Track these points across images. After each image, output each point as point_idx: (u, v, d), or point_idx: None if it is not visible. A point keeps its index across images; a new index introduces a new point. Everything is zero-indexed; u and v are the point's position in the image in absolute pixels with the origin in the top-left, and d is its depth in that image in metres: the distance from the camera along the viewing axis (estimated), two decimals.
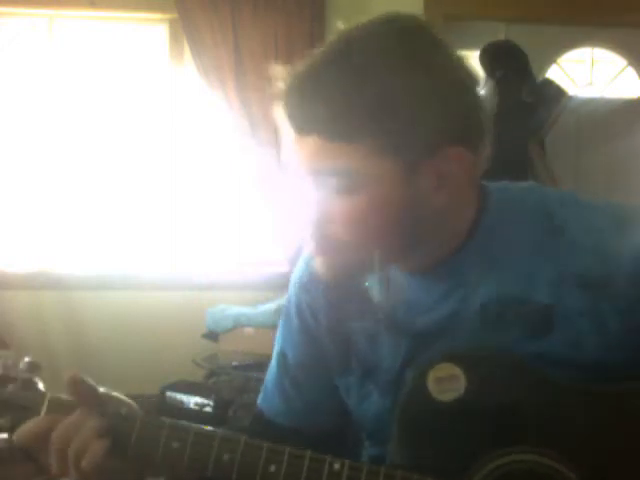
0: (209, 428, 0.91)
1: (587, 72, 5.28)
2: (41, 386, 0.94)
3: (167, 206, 3.79)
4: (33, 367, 0.94)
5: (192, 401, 3.15)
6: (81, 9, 3.70)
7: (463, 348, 0.91)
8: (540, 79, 4.34)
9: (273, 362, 1.12)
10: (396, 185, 0.83)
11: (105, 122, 3.79)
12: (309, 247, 0.91)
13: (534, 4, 3.83)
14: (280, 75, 0.86)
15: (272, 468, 0.87)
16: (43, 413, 0.92)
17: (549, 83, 4.15)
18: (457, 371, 0.87)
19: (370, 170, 0.83)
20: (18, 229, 3.78)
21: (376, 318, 0.99)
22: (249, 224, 3.75)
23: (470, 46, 4.59)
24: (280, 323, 1.11)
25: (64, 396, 0.93)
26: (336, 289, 1.00)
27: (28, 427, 0.90)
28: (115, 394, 0.95)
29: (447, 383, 0.87)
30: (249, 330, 3.28)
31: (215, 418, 3.08)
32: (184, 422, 0.92)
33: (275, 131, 2.93)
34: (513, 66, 3.80)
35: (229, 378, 3.31)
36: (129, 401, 0.96)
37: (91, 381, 0.93)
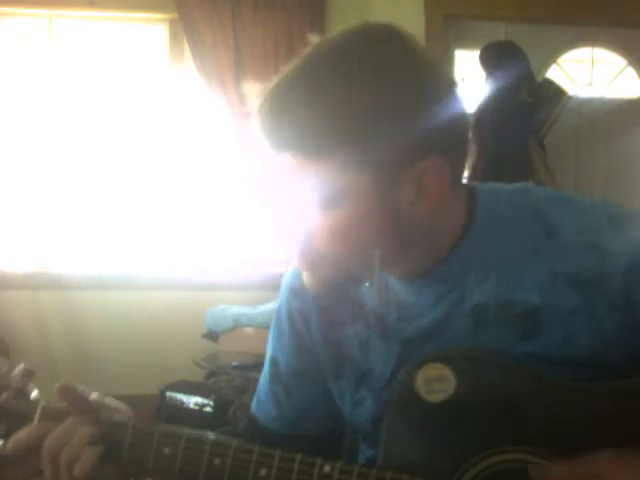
0: (200, 432, 0.92)
1: (587, 72, 5.28)
2: (35, 393, 0.94)
3: (167, 206, 3.79)
4: (27, 374, 0.94)
5: (192, 401, 3.15)
6: (81, 9, 3.70)
7: (452, 349, 0.91)
8: (540, 79, 4.34)
9: (265, 369, 1.11)
10: (375, 199, 0.83)
11: (105, 122, 3.80)
12: (294, 261, 0.91)
13: (534, 4, 3.83)
14: (253, 92, 0.85)
15: (263, 472, 0.88)
16: (36, 421, 0.92)
17: (549, 83, 4.15)
18: (446, 371, 0.87)
19: (347, 185, 0.82)
20: (18, 229, 3.78)
21: (368, 325, 0.98)
22: (249, 224, 3.75)
23: (470, 46, 4.59)
24: (271, 329, 1.10)
25: (58, 403, 0.93)
26: (326, 296, 1.00)
27: (21, 435, 0.91)
28: (107, 401, 0.96)
29: (436, 384, 0.87)
30: (249, 330, 3.28)
31: (215, 418, 3.08)
32: (176, 427, 0.92)
33: None
34: (513, 66, 3.80)
35: (229, 378, 3.31)
36: (122, 407, 0.96)
37: (82, 389, 0.93)
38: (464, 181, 0.93)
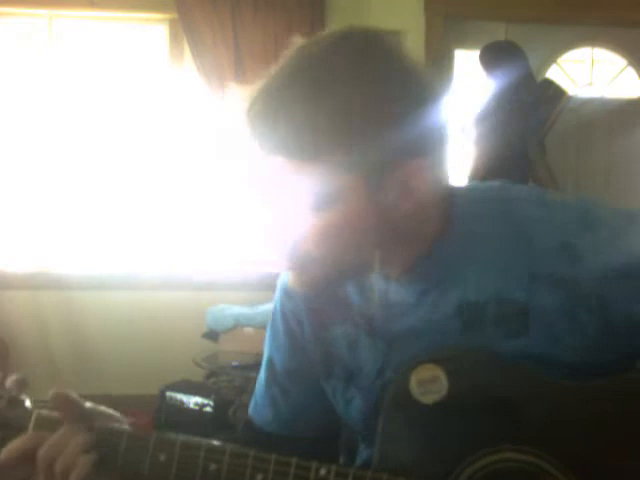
0: (196, 438, 0.91)
1: (587, 72, 5.29)
2: (28, 403, 0.93)
3: (167, 206, 3.79)
4: (20, 384, 0.93)
5: (192, 401, 3.15)
6: (81, 9, 3.71)
7: (444, 349, 0.91)
8: (540, 79, 4.34)
9: (262, 370, 1.11)
10: (362, 199, 0.84)
11: (105, 122, 3.80)
12: (282, 263, 0.91)
13: (534, 4, 3.83)
14: (240, 95, 0.86)
15: (259, 477, 0.87)
16: (31, 430, 0.91)
17: (549, 83, 4.16)
18: (438, 372, 0.88)
19: (335, 187, 0.83)
20: (18, 229, 3.78)
21: (356, 324, 0.99)
22: (249, 224, 3.75)
23: (470, 46, 4.60)
24: (267, 330, 1.11)
25: (51, 412, 0.92)
26: (315, 297, 1.01)
27: (14, 445, 0.90)
28: (102, 408, 0.94)
29: (429, 385, 0.88)
30: (249, 330, 3.28)
31: (215, 418, 3.08)
32: (171, 434, 0.91)
33: None
34: (513, 66, 3.80)
35: (229, 378, 3.31)
36: (116, 414, 0.95)
37: (76, 396, 0.92)
38: (445, 183, 0.94)
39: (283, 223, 0.87)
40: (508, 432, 0.87)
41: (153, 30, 3.87)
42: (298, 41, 0.87)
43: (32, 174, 3.76)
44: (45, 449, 0.89)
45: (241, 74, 3.50)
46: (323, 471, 0.87)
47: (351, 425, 1.04)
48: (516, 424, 0.87)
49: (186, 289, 3.67)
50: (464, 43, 4.74)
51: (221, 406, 3.13)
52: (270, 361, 1.10)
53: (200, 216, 3.81)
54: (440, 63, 3.85)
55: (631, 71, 5.22)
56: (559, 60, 5.18)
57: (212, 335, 3.38)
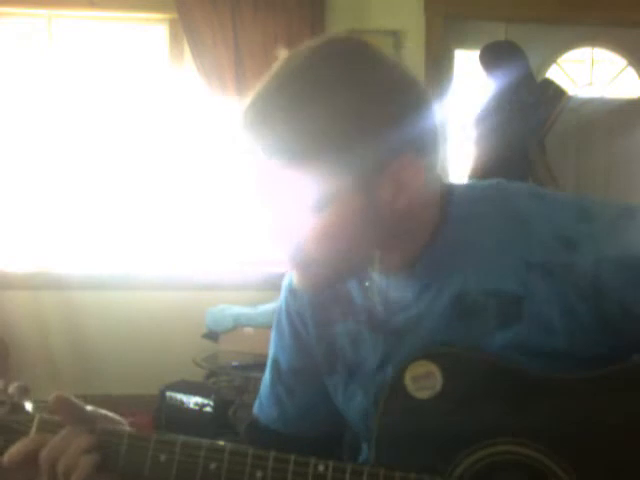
0: (195, 439, 0.92)
1: (587, 72, 5.29)
2: (30, 409, 0.95)
3: (167, 206, 3.79)
4: (23, 390, 0.95)
5: (192, 401, 3.15)
6: (80, 9, 3.71)
7: (438, 345, 0.93)
8: (540, 79, 4.34)
9: (267, 370, 1.13)
10: (357, 198, 0.86)
11: (105, 122, 3.80)
12: (285, 264, 0.93)
13: (534, 4, 3.83)
14: (236, 106, 0.89)
15: (258, 474, 0.89)
16: (33, 433, 0.93)
17: (549, 83, 4.16)
18: (433, 368, 0.90)
19: (330, 186, 0.85)
20: (18, 229, 3.78)
21: (357, 320, 1.01)
22: (249, 224, 3.75)
23: (470, 46, 4.59)
24: (272, 330, 1.13)
25: (53, 416, 0.93)
26: (318, 295, 1.03)
27: (17, 448, 0.91)
28: (102, 411, 0.96)
29: (424, 380, 0.90)
30: (249, 330, 3.28)
31: (215, 418, 3.08)
32: (171, 435, 0.92)
33: None
34: (513, 66, 3.81)
35: (229, 378, 3.31)
36: (117, 417, 0.97)
37: (77, 400, 0.93)
38: (441, 179, 0.96)
39: (283, 225, 0.89)
40: (503, 425, 0.88)
41: (153, 30, 3.87)
42: (283, 53, 0.90)
43: (32, 174, 3.76)
44: (47, 451, 0.90)
45: (241, 74, 3.50)
46: (321, 467, 0.88)
47: (352, 424, 1.05)
48: (511, 418, 0.88)
49: (186, 289, 3.67)
50: (464, 43, 4.74)
51: (221, 406, 3.13)
52: (275, 361, 1.11)
53: (200, 216, 3.81)
54: (440, 63, 3.85)
55: (631, 71, 5.22)
56: (559, 60, 5.18)
57: (212, 335, 3.38)
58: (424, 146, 0.89)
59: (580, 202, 0.94)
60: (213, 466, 0.89)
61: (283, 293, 1.10)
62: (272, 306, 3.23)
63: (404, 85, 0.88)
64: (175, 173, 3.77)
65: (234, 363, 3.13)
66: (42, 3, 3.70)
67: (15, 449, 0.91)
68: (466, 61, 4.87)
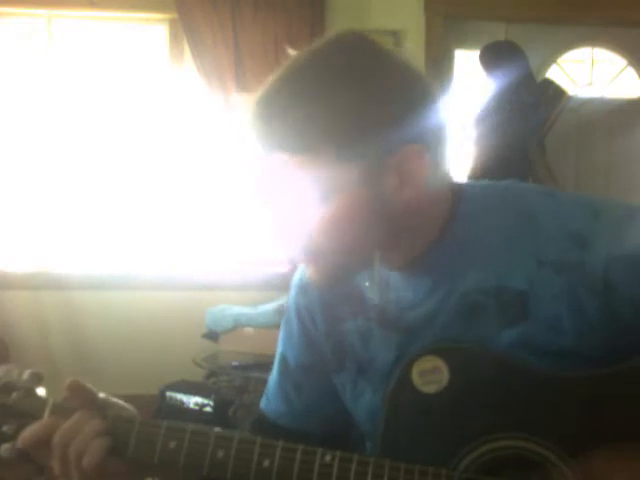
0: (205, 427, 0.93)
1: (587, 72, 5.29)
2: (43, 394, 0.97)
3: (167, 206, 3.79)
4: (36, 377, 0.97)
5: (192, 401, 3.15)
6: (80, 9, 3.71)
7: (445, 340, 0.94)
8: (540, 79, 4.34)
9: (275, 366, 1.14)
10: (363, 189, 0.87)
11: (105, 122, 3.80)
12: (297, 258, 0.94)
13: (534, 4, 3.83)
14: (243, 104, 0.89)
15: (266, 462, 0.90)
16: (46, 417, 0.94)
17: (549, 83, 4.16)
18: (439, 363, 0.90)
19: (336, 178, 0.86)
20: (18, 229, 3.79)
21: (368, 317, 1.02)
22: (249, 224, 3.75)
23: (470, 46, 4.59)
24: (281, 327, 1.14)
25: (66, 402, 0.95)
26: (330, 291, 1.03)
27: (31, 430, 0.93)
28: (114, 399, 0.98)
29: (430, 375, 0.90)
30: (249, 330, 3.28)
31: (215, 418, 3.08)
32: (181, 423, 0.94)
33: None
34: (513, 66, 3.81)
35: (229, 378, 3.31)
36: (128, 406, 0.98)
37: (90, 386, 0.95)
38: (452, 178, 0.97)
39: (291, 219, 0.89)
40: (508, 420, 0.89)
41: (153, 30, 3.87)
42: (292, 53, 0.91)
43: (32, 174, 3.76)
44: (60, 433, 0.92)
45: (241, 74, 3.50)
46: (328, 457, 0.89)
47: (359, 422, 1.06)
48: (516, 413, 0.89)
49: (186, 289, 3.67)
50: (464, 43, 4.75)
51: (221, 406, 3.13)
52: (283, 357, 1.12)
53: (200, 216, 3.81)
54: (440, 63, 3.85)
55: (631, 71, 5.22)
56: (559, 60, 5.18)
57: (212, 335, 3.38)
58: (429, 139, 0.89)
59: (590, 200, 0.95)
60: (221, 454, 0.91)
61: (293, 290, 1.11)
62: (272, 306, 3.23)
63: (410, 79, 0.89)
64: (175, 173, 3.77)
65: (234, 363, 3.13)
66: (42, 3, 3.70)
67: (28, 432, 0.93)
68: (466, 61, 4.87)
